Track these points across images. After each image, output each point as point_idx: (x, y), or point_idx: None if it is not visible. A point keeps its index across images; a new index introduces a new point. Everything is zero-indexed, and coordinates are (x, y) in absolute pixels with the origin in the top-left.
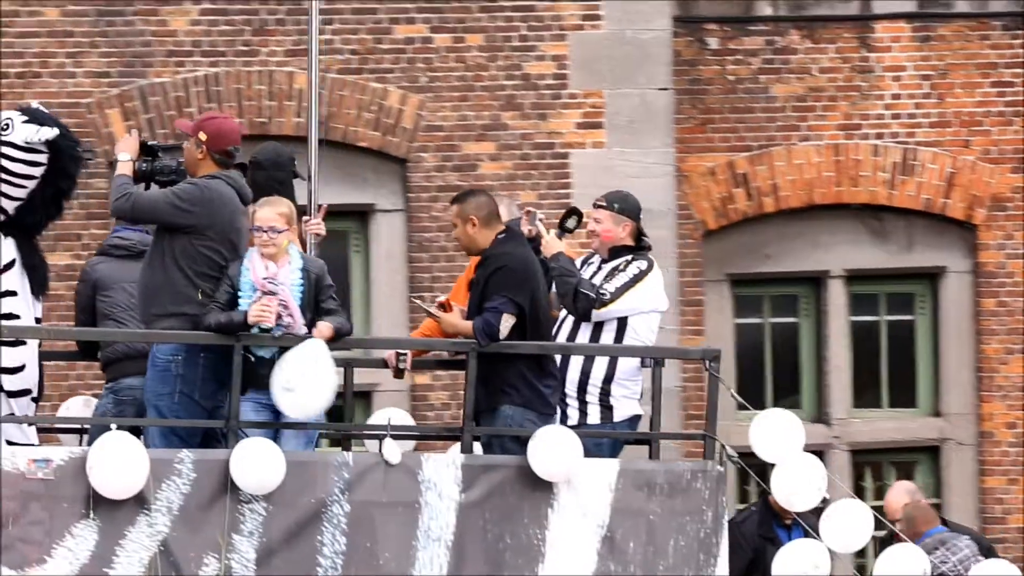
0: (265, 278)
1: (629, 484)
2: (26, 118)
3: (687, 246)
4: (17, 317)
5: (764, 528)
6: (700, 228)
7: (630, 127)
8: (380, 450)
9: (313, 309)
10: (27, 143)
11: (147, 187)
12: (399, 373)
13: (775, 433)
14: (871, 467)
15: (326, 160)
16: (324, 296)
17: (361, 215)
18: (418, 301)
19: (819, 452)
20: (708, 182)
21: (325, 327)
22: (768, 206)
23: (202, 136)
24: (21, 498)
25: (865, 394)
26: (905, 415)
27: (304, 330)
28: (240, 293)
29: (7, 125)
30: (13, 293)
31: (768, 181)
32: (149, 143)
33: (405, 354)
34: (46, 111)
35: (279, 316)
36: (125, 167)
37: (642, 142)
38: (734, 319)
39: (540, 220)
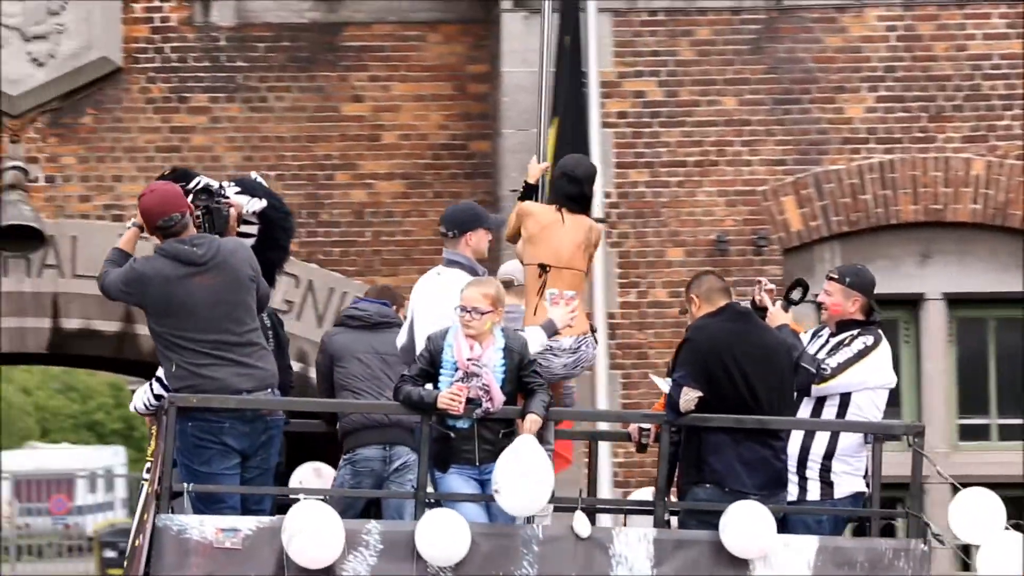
0: (469, 359)
1: (828, 562)
2: (239, 189)
3: None
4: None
5: None
6: None
7: None
8: (571, 523)
9: (515, 384)
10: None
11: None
12: (642, 448)
13: (977, 512)
14: None
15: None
16: (527, 372)
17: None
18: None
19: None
20: None
21: (532, 422)
22: None
23: (139, 222)
24: (209, 566)
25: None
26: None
27: (501, 406)
28: (441, 370)
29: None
30: None
31: None
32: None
33: (648, 429)
34: (260, 181)
35: (479, 398)
36: (125, 238)
37: None
38: None
39: (767, 292)
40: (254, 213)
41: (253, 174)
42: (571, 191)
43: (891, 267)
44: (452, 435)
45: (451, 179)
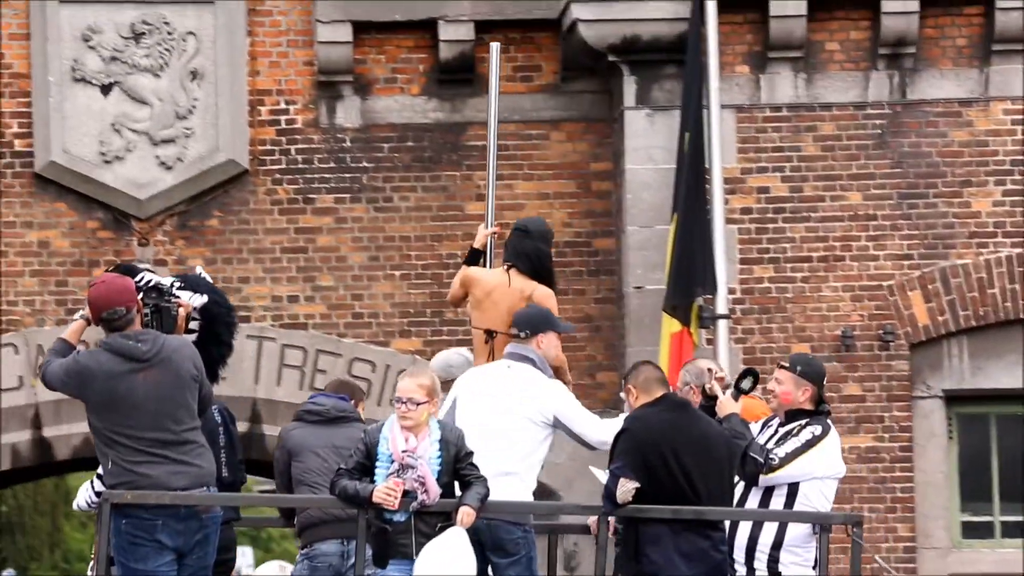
0: (404, 451)
1: None
2: (181, 284)
3: None
4: None
5: None
6: None
7: None
8: None
9: (451, 475)
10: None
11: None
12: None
13: None
14: None
15: None
16: (463, 464)
17: None
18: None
19: None
20: None
21: (467, 514)
22: None
23: (86, 314)
24: None
25: None
26: None
27: (437, 499)
28: (377, 463)
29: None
30: None
31: None
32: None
33: (607, 521)
34: (203, 276)
35: (415, 491)
36: (71, 328)
37: None
38: None
39: (717, 381)
40: (196, 309)
41: (197, 269)
42: (523, 246)
43: (1021, 362)
44: (389, 529)
45: (575, 276)
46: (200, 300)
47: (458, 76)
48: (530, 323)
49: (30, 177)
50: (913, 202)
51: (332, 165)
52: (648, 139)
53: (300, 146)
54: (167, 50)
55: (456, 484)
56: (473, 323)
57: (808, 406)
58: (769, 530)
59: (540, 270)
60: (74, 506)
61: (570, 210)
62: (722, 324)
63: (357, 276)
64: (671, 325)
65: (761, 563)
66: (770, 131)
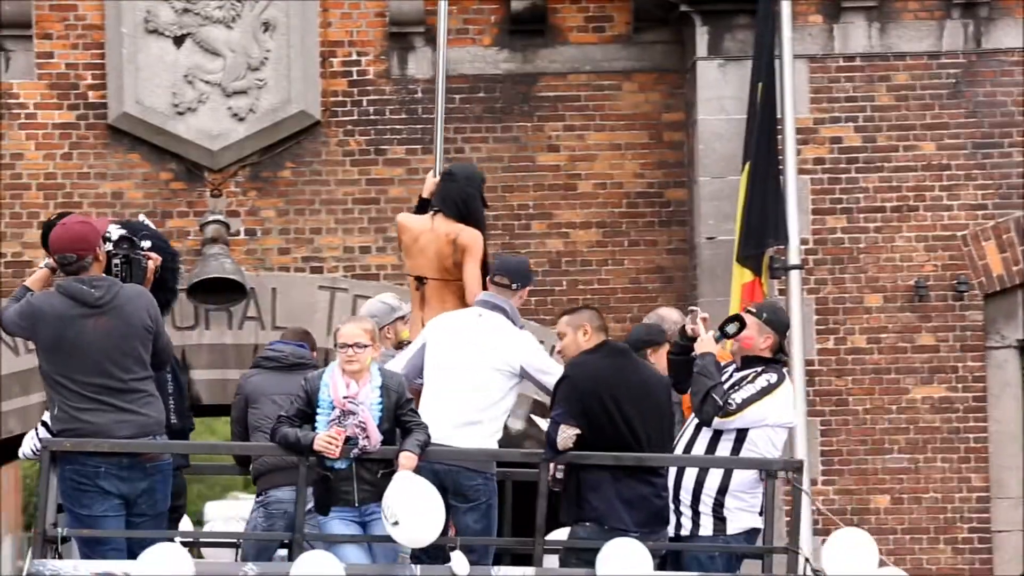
0: (346, 397)
1: None
2: (124, 231)
3: None
4: None
5: None
6: None
7: None
8: (450, 563)
9: (392, 422)
10: None
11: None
12: (556, 483)
13: (850, 551)
14: None
15: None
16: (404, 411)
17: None
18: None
19: None
20: None
21: (407, 459)
22: None
23: (51, 263)
24: None
25: None
26: None
27: (378, 445)
28: (318, 410)
29: (107, 238)
30: None
31: None
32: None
33: (562, 467)
34: (146, 223)
35: (356, 436)
36: (36, 276)
37: None
38: None
39: (702, 320)
40: (67, 263)
41: (140, 216)
42: (449, 191)
43: None
44: (331, 476)
45: (647, 227)
46: (144, 246)
47: (529, 27)
48: (521, 275)
49: (104, 128)
50: (988, 151)
51: (403, 116)
52: (720, 89)
53: (372, 97)
54: (239, 1)
55: (398, 432)
56: (405, 269)
57: (767, 354)
58: (716, 474)
59: (467, 214)
60: (20, 454)
61: (642, 161)
62: (794, 275)
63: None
64: (743, 275)
65: (707, 506)
66: (843, 81)
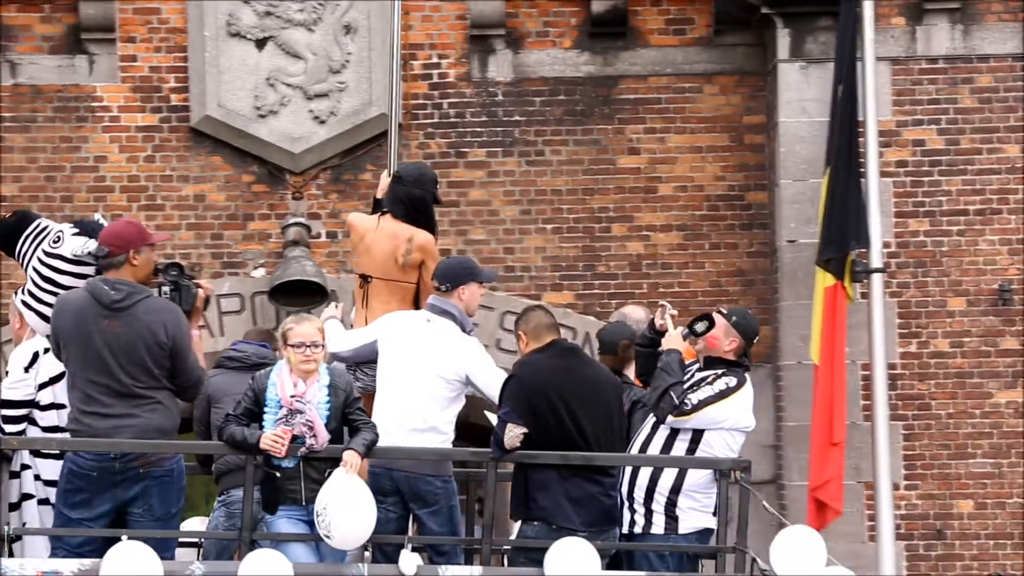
0: (293, 396)
1: None
2: (76, 231)
3: None
4: (62, 430)
5: None
6: None
7: None
8: (398, 561)
9: (340, 420)
10: (74, 255)
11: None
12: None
13: (798, 550)
14: None
15: None
16: (352, 410)
17: None
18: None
19: None
20: None
21: (351, 457)
22: None
23: None
24: None
25: None
26: None
27: (326, 444)
28: (266, 409)
29: (58, 238)
30: (62, 406)
31: None
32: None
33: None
34: (99, 222)
35: (303, 435)
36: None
37: None
38: None
39: (671, 316)
40: (90, 253)
41: (97, 215)
42: (396, 192)
43: None
44: (278, 475)
45: (728, 230)
46: (94, 245)
47: (610, 29)
48: (451, 276)
49: (186, 131)
50: None
51: (484, 119)
52: (802, 92)
53: (452, 100)
54: (320, 4)
55: (345, 430)
56: (354, 267)
57: (730, 356)
58: (669, 473)
59: (416, 215)
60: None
61: (723, 163)
62: (877, 278)
63: (509, 230)
64: (825, 279)
65: (659, 505)
66: (926, 83)
